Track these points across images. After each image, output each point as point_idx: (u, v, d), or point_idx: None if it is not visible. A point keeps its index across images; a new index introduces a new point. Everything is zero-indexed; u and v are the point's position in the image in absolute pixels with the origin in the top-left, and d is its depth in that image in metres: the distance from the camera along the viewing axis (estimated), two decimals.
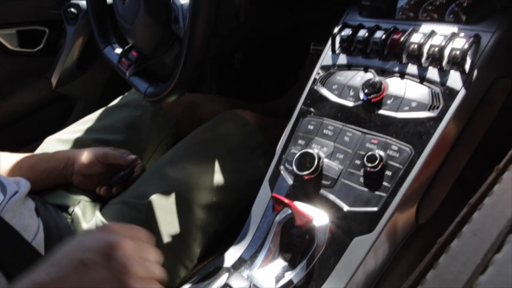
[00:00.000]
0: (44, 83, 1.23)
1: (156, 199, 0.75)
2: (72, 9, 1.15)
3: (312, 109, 0.69)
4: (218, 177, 0.79)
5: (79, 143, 0.95)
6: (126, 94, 1.09)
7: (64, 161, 0.83)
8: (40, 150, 0.96)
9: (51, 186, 0.84)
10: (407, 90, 0.61)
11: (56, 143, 0.96)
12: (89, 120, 1.02)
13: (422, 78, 0.61)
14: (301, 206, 0.60)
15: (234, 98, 1.31)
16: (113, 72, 0.94)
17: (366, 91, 0.63)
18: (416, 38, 0.63)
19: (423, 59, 0.62)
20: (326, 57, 0.73)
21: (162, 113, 1.05)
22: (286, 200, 0.59)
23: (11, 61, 1.19)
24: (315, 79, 0.72)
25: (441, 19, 0.70)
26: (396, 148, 0.58)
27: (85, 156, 0.83)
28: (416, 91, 0.61)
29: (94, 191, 0.85)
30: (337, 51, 0.72)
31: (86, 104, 1.31)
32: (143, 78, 0.84)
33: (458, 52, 0.58)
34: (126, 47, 0.89)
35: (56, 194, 0.84)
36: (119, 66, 0.89)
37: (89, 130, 0.99)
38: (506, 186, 0.34)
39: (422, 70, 0.61)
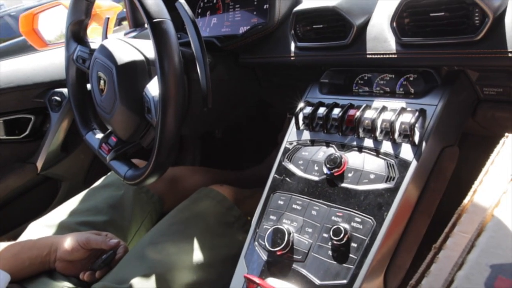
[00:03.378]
0: (30, 167, 1.26)
1: (137, 283, 0.76)
2: (56, 97, 1.21)
3: (281, 185, 0.73)
4: (197, 255, 0.81)
5: (63, 227, 0.96)
6: (109, 174, 1.12)
7: (46, 248, 0.85)
8: (25, 236, 0.97)
9: (34, 273, 0.84)
10: (365, 163, 0.66)
11: (40, 228, 0.98)
12: (73, 202, 1.04)
13: (377, 151, 0.65)
14: (274, 283, 0.61)
15: (217, 168, 1.35)
16: None
17: (328, 166, 0.67)
18: (369, 113, 0.68)
19: (377, 133, 0.67)
20: (291, 134, 0.78)
21: (144, 190, 1.08)
22: (258, 280, 0.61)
23: None
24: (282, 154, 0.77)
25: (392, 93, 0.76)
26: (359, 220, 0.61)
27: (68, 242, 0.84)
28: (373, 163, 0.65)
29: (77, 277, 0.85)
30: (301, 127, 0.77)
31: (71, 184, 1.33)
32: (122, 162, 0.88)
33: (406, 126, 0.63)
34: (105, 133, 0.94)
35: (39, 281, 0.84)
36: (99, 151, 0.93)
37: (73, 213, 1.01)
38: (442, 266, 0.37)
39: (377, 143, 0.66)
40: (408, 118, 0.64)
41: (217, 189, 0.93)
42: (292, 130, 0.78)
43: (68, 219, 0.99)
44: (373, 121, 0.67)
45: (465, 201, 0.44)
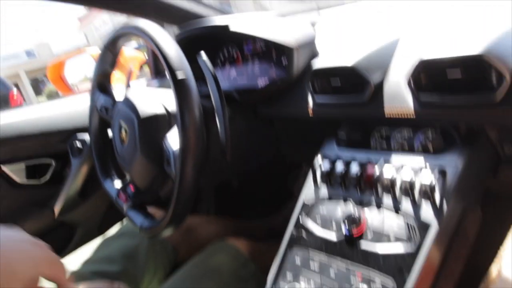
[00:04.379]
0: (47, 212, 1.27)
1: None
2: (78, 143, 1.24)
3: (298, 241, 0.72)
4: None
5: (77, 276, 0.95)
6: (124, 222, 1.12)
7: None
8: None
9: None
10: (385, 223, 0.65)
11: None
12: (87, 250, 1.04)
13: (397, 210, 0.65)
14: None
15: (232, 217, 1.34)
16: None
17: (347, 225, 0.66)
18: (388, 172, 0.68)
19: (397, 192, 0.66)
20: (309, 188, 0.78)
21: (159, 240, 1.07)
22: None
23: (18, 194, 1.25)
24: (300, 210, 0.76)
25: (410, 149, 0.76)
26: (378, 282, 0.59)
27: None
28: (393, 223, 0.64)
29: None
30: (319, 183, 0.77)
31: (86, 230, 1.33)
32: (139, 212, 0.88)
33: (426, 186, 0.63)
34: (124, 182, 0.95)
35: None
36: (117, 200, 0.94)
37: (87, 262, 1.00)
38: None
39: (397, 202, 0.65)
40: (428, 178, 0.63)
41: (232, 243, 0.92)
42: (309, 185, 0.78)
43: (81, 268, 0.98)
44: (392, 181, 0.66)
45: (492, 271, 0.43)
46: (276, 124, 1.02)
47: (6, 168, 1.22)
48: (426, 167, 0.66)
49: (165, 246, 1.08)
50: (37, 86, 24.37)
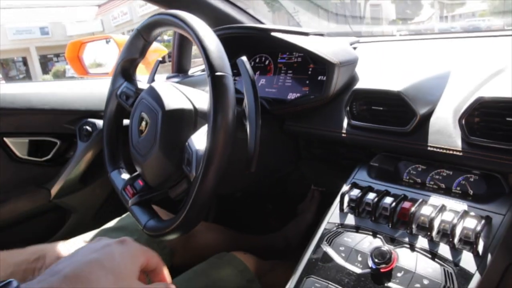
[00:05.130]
0: (43, 192, 1.21)
1: None
2: (87, 127, 1.19)
3: (317, 270, 0.66)
4: None
5: None
6: (123, 216, 1.07)
7: (36, 254, 0.77)
8: None
9: None
10: (418, 265, 0.59)
11: None
12: (80, 240, 0.98)
13: (433, 254, 0.59)
14: None
15: (231, 228, 1.28)
16: (114, 190, 0.93)
17: (375, 259, 0.61)
18: (426, 210, 0.63)
19: (434, 233, 0.61)
20: (333, 215, 0.73)
21: (157, 240, 1.01)
22: None
23: (16, 168, 1.19)
24: (321, 236, 0.71)
25: (447, 190, 0.71)
26: None
27: (59, 251, 0.78)
28: (427, 267, 0.58)
29: None
30: (345, 210, 0.72)
31: (80, 218, 1.27)
32: (145, 209, 0.83)
33: (470, 232, 0.58)
34: (133, 175, 0.89)
35: None
36: (123, 192, 0.88)
37: None
38: None
39: (433, 245, 0.60)
40: (472, 224, 0.58)
41: (239, 257, 0.86)
42: (334, 211, 0.73)
43: None
44: (431, 220, 0.61)
45: None
46: (301, 141, 0.97)
47: (8, 140, 1.16)
48: (469, 211, 0.61)
49: (162, 247, 1.02)
50: (46, 64, 24.37)
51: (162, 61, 0.98)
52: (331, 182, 0.81)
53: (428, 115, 0.72)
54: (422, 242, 0.61)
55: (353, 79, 0.90)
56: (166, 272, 0.55)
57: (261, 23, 1.30)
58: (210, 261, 0.86)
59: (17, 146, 1.19)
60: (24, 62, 25.07)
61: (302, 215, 1.43)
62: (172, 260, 1.05)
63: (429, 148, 0.69)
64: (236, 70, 0.74)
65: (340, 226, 0.70)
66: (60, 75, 17.29)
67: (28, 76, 24.48)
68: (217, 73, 0.66)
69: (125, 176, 0.93)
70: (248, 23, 1.26)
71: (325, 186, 1.26)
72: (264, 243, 1.36)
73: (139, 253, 0.51)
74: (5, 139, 1.14)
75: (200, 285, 0.80)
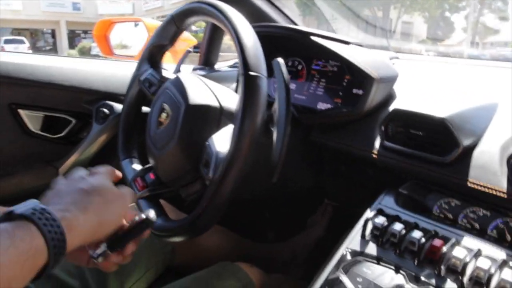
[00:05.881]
0: (51, 171, 1.18)
1: None
2: (105, 109, 1.15)
3: None
4: None
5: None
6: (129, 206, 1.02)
7: None
8: None
9: None
10: None
11: None
12: None
13: None
14: None
15: (237, 233, 1.24)
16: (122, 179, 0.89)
17: None
18: (460, 252, 0.57)
19: (465, 279, 0.55)
20: (354, 240, 0.67)
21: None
22: None
23: (27, 142, 1.16)
24: (338, 262, 0.65)
25: (482, 231, 0.65)
26: None
27: None
28: None
29: None
30: (367, 237, 0.66)
31: None
32: (153, 205, 0.78)
33: (508, 286, 0.51)
34: (145, 166, 0.85)
35: None
36: (132, 184, 0.84)
37: None
38: None
39: None
40: (510, 275, 0.52)
41: (245, 269, 0.81)
42: (355, 236, 0.67)
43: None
44: (464, 264, 0.55)
45: None
46: (326, 154, 0.92)
47: (23, 113, 1.13)
48: (508, 261, 0.55)
49: (164, 245, 0.97)
50: (73, 38, 24.69)
51: (190, 51, 0.94)
52: (351, 201, 0.76)
53: (472, 147, 0.66)
54: (450, 286, 0.55)
55: (390, 97, 0.84)
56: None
57: (296, 25, 1.25)
58: (213, 270, 0.82)
59: (31, 119, 1.16)
60: (53, 34, 25.42)
61: (312, 229, 1.37)
62: (172, 260, 1.00)
63: (469, 184, 0.63)
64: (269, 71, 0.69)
65: (360, 254, 0.65)
66: (85, 52, 17.47)
67: (54, 49, 24.82)
68: (252, 73, 0.61)
69: (137, 166, 0.89)
70: (284, 23, 1.21)
71: (340, 203, 1.20)
72: (270, 253, 1.31)
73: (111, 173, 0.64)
74: (19, 110, 1.11)
75: None
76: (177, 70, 0.99)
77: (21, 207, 0.46)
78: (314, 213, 1.40)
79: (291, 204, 1.42)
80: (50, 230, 0.43)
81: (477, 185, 0.62)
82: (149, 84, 0.89)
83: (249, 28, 0.65)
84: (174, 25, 0.83)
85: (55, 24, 24.01)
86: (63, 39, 24.31)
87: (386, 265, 0.61)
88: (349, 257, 0.65)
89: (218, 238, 1.15)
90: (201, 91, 0.75)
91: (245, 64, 0.61)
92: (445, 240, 0.60)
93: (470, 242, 0.60)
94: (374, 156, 0.75)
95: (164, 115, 0.77)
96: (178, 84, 0.77)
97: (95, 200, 0.52)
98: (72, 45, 23.70)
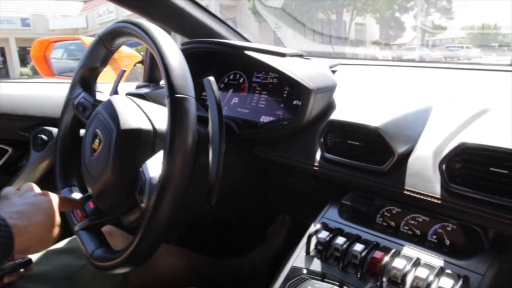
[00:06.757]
0: None
1: None
2: (43, 136, 1.09)
3: None
4: None
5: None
6: (74, 237, 0.97)
7: None
8: None
9: None
10: None
11: None
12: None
13: None
14: None
15: (195, 251, 1.20)
16: None
17: None
18: (399, 263, 0.57)
19: None
20: (298, 258, 0.66)
21: None
22: None
23: None
24: (284, 280, 0.64)
25: (422, 237, 0.65)
26: None
27: None
28: None
29: None
30: (312, 253, 0.65)
31: None
32: (93, 236, 0.74)
33: None
34: (84, 195, 0.81)
35: None
36: (71, 214, 0.80)
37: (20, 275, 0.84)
38: None
39: None
40: (448, 284, 0.53)
41: None
42: (300, 254, 0.66)
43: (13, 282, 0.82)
44: (404, 275, 0.55)
45: None
46: (271, 168, 0.90)
47: None
48: (445, 267, 0.56)
49: (114, 275, 0.92)
50: (24, 56, 23.74)
51: (124, 70, 0.90)
52: (300, 213, 0.75)
53: (407, 154, 0.66)
54: None
55: (329, 107, 0.84)
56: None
57: (242, 36, 1.24)
58: None
59: None
60: (2, 53, 24.36)
61: (271, 240, 1.36)
62: (125, 287, 0.96)
63: (405, 192, 0.63)
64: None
65: (304, 272, 0.63)
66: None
67: (5, 67, 23.77)
68: (177, 95, 0.59)
69: (77, 195, 0.84)
70: (228, 36, 1.19)
71: (292, 215, 1.20)
72: (230, 268, 1.28)
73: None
74: None
75: None
76: (114, 91, 0.95)
77: None
78: (272, 224, 1.39)
79: (247, 219, 1.40)
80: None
81: (413, 192, 0.62)
82: (83, 109, 0.85)
83: (174, 48, 0.63)
84: (103, 46, 0.80)
85: (4, 41, 23.02)
86: (13, 57, 23.33)
87: (331, 281, 0.61)
88: (294, 274, 0.64)
89: (174, 259, 1.12)
90: (133, 114, 0.72)
91: (170, 86, 0.59)
92: (386, 250, 0.60)
93: (410, 251, 0.60)
94: (315, 168, 0.74)
95: (97, 141, 0.74)
96: (109, 108, 0.74)
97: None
98: (24, 62, 22.79)
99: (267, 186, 0.94)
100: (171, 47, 0.63)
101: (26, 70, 19.22)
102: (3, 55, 24.22)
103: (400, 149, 0.65)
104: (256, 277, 1.30)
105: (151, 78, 1.32)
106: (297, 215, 0.95)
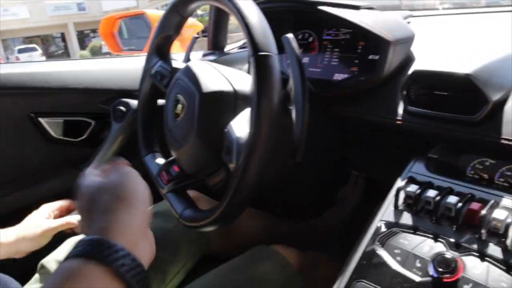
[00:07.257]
0: (77, 174, 1.19)
1: None
2: (121, 107, 1.15)
3: (368, 274, 0.60)
4: None
5: None
6: (159, 202, 1.03)
7: None
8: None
9: None
10: (489, 277, 0.51)
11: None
12: None
13: (509, 266, 0.51)
14: None
15: (270, 213, 1.23)
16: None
17: (438, 267, 0.53)
18: (500, 214, 0.54)
19: (509, 241, 0.53)
20: (387, 212, 0.65)
21: None
22: None
23: (52, 149, 1.18)
24: (373, 235, 0.64)
25: None
26: None
27: None
28: (501, 280, 0.51)
29: None
30: (401, 207, 0.65)
31: None
32: (181, 197, 0.78)
33: None
34: (168, 160, 0.85)
35: None
36: (157, 178, 0.84)
37: None
38: None
39: (509, 255, 0.52)
40: None
41: (281, 252, 0.80)
42: (388, 207, 0.66)
43: None
44: (507, 226, 0.53)
45: None
46: (348, 126, 0.89)
47: (43, 121, 1.15)
48: None
49: (200, 236, 0.98)
50: (83, 39, 24.89)
51: (197, 37, 0.92)
52: (379, 171, 0.74)
53: (502, 102, 0.62)
54: (494, 250, 0.53)
55: (408, 59, 0.80)
56: None
57: None
58: (248, 255, 0.81)
59: (52, 126, 1.17)
60: (63, 38, 25.68)
61: (344, 201, 1.36)
62: (208, 248, 1.01)
63: (502, 141, 0.60)
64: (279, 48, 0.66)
65: (395, 225, 0.63)
66: (96, 51, 17.61)
67: (66, 52, 25.12)
68: (262, 53, 0.59)
69: (160, 160, 0.89)
70: None
71: (369, 174, 1.18)
72: (305, 231, 1.30)
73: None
74: (40, 119, 1.12)
75: (238, 280, 0.76)
76: (187, 59, 0.97)
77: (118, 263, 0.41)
78: (344, 184, 1.38)
79: (321, 179, 1.40)
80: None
81: (511, 141, 0.59)
82: (160, 77, 0.88)
83: (253, 6, 0.63)
84: (177, 13, 0.81)
85: (64, 27, 24.22)
86: (73, 41, 24.55)
87: (424, 234, 0.60)
88: (384, 228, 0.63)
89: (252, 222, 1.15)
90: (213, 77, 0.73)
91: (253, 44, 0.59)
92: (483, 202, 0.58)
93: (510, 202, 0.57)
94: (398, 122, 0.72)
95: (179, 106, 0.76)
96: (189, 74, 0.76)
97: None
98: (83, 45, 23.92)
99: (344, 145, 0.93)
100: (251, 6, 0.63)
101: (85, 52, 20.17)
102: (64, 40, 25.54)
103: (495, 96, 0.61)
104: (331, 240, 1.31)
105: (216, 45, 1.33)
106: (375, 173, 0.94)
